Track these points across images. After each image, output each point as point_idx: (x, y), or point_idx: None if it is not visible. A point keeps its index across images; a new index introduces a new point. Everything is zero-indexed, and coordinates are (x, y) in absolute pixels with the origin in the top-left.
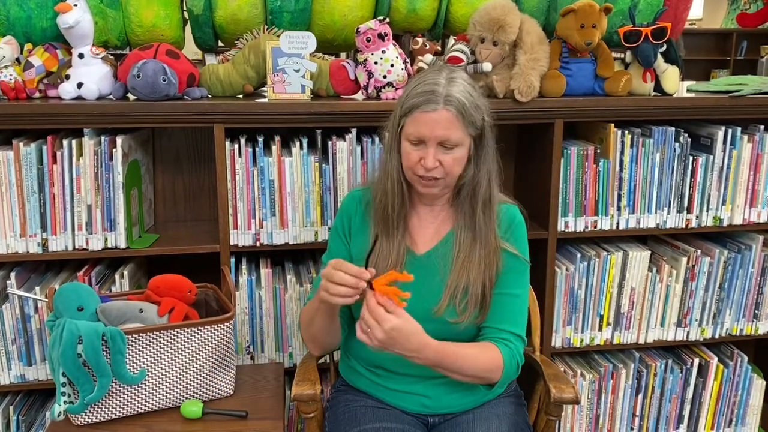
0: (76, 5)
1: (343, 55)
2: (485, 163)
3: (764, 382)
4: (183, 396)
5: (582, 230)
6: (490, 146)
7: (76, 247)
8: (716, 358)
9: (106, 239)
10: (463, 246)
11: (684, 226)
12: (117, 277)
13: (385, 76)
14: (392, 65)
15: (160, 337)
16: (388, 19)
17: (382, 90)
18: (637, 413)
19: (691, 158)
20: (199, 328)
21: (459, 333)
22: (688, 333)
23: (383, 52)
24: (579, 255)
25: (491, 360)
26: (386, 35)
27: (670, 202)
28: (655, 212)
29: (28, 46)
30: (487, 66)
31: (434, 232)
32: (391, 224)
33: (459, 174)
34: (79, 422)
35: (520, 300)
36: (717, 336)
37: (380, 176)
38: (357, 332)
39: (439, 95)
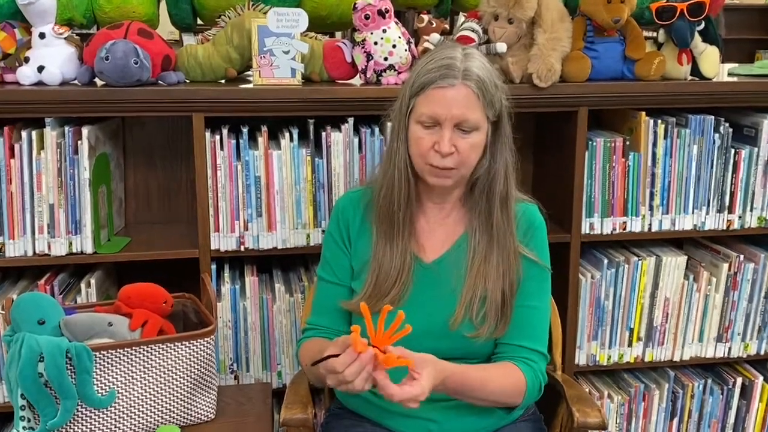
0: None
1: (338, 34)
2: (502, 154)
3: None
4: (158, 421)
5: (609, 233)
6: (507, 134)
7: (37, 252)
8: (761, 378)
9: (70, 243)
10: (479, 249)
11: (725, 228)
12: (83, 286)
13: (386, 59)
14: (394, 46)
15: (131, 354)
16: None
17: (383, 74)
18: None
19: (732, 151)
20: (176, 343)
21: (477, 349)
22: (729, 349)
23: (384, 31)
24: (606, 261)
25: (513, 384)
26: (387, 12)
27: (709, 200)
28: (692, 212)
29: None
30: (501, 46)
31: (445, 236)
32: (396, 225)
33: (474, 165)
34: None
35: (540, 312)
36: (762, 352)
37: (385, 168)
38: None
39: (457, 69)
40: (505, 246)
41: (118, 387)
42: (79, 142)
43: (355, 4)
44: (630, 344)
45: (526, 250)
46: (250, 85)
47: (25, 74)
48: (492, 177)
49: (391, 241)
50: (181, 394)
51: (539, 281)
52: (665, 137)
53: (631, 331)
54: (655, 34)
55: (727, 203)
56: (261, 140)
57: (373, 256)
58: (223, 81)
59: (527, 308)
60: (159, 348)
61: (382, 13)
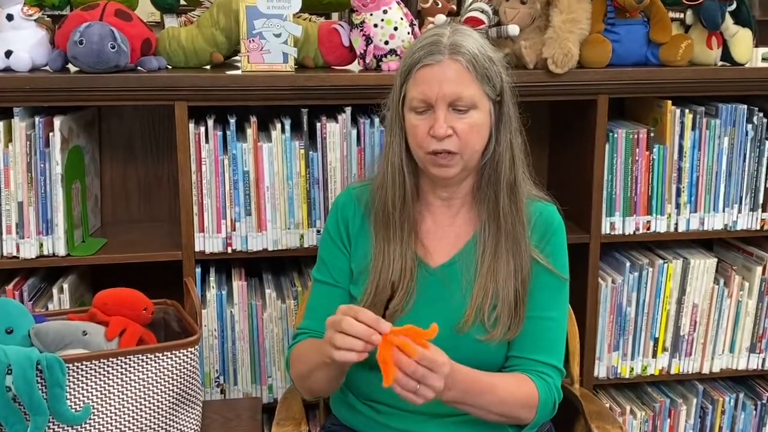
0: None
1: (335, 16)
2: (506, 136)
3: None
4: None
5: (632, 233)
6: (511, 114)
7: (5, 254)
8: None
9: (41, 245)
10: (489, 244)
11: (758, 228)
12: (55, 291)
13: (387, 42)
14: (396, 28)
15: (108, 366)
16: None
17: (384, 59)
18: None
19: (767, 143)
20: (157, 354)
21: (489, 356)
22: (763, 360)
23: (385, 12)
24: (628, 263)
25: (526, 396)
26: None
27: (741, 197)
28: (723, 210)
29: None
30: (513, 29)
31: (453, 237)
32: (392, 227)
33: (480, 150)
34: None
35: (557, 324)
36: None
37: (379, 165)
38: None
39: (443, 45)
40: (515, 238)
41: (93, 402)
42: (50, 133)
43: None
44: (654, 355)
45: (541, 256)
46: (238, 72)
47: None
48: (497, 161)
49: (390, 245)
50: (162, 410)
51: (555, 290)
52: (693, 128)
53: (656, 340)
54: (682, 16)
55: (761, 201)
56: (250, 132)
57: (373, 261)
58: (208, 67)
59: (542, 319)
60: (138, 359)
61: None
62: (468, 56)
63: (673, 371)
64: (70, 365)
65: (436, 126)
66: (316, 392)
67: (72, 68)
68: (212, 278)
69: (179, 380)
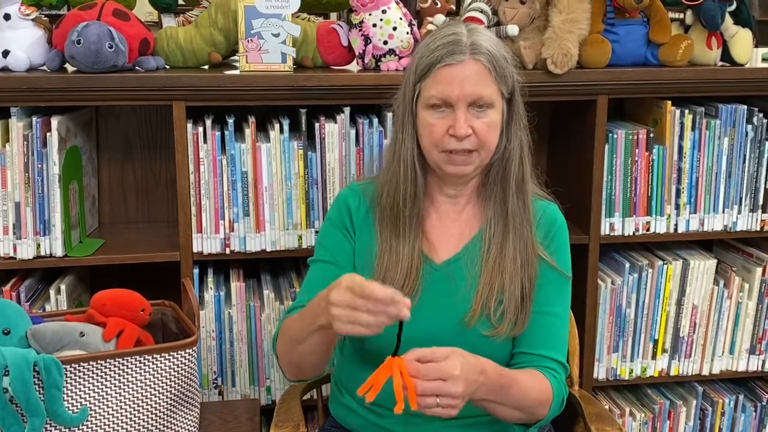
0: None
1: (333, 16)
2: (517, 134)
3: None
4: None
5: (631, 234)
6: (521, 112)
7: (2, 255)
8: None
9: (38, 245)
10: (495, 240)
11: (758, 229)
12: (52, 292)
13: (386, 42)
14: (395, 28)
15: (105, 367)
16: None
17: (382, 59)
18: None
19: (767, 144)
20: (155, 355)
21: (495, 350)
22: (763, 362)
23: (384, 12)
24: (628, 264)
25: (542, 391)
26: None
27: (741, 198)
28: (723, 211)
29: None
30: (512, 29)
31: (458, 234)
32: (401, 224)
33: (494, 148)
34: None
35: (561, 320)
36: None
37: (388, 163)
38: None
39: (464, 44)
40: (522, 235)
41: (90, 403)
42: (47, 133)
43: None
44: (654, 357)
45: (545, 253)
46: (237, 72)
47: None
48: (507, 159)
49: (397, 242)
50: (160, 412)
51: (559, 286)
52: (693, 129)
53: (656, 342)
54: (681, 16)
55: (761, 201)
56: (248, 132)
57: (377, 258)
58: (206, 67)
59: (547, 314)
60: (136, 360)
61: None
62: (488, 56)
63: (672, 373)
64: (68, 366)
65: (457, 126)
66: (302, 368)
67: (69, 68)
68: (210, 279)
69: (177, 382)
